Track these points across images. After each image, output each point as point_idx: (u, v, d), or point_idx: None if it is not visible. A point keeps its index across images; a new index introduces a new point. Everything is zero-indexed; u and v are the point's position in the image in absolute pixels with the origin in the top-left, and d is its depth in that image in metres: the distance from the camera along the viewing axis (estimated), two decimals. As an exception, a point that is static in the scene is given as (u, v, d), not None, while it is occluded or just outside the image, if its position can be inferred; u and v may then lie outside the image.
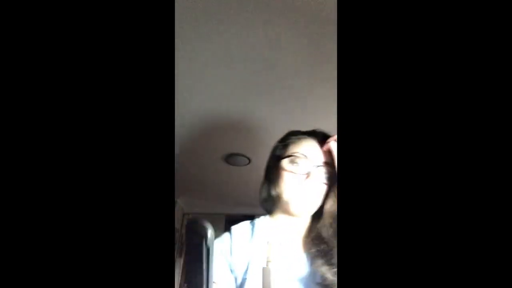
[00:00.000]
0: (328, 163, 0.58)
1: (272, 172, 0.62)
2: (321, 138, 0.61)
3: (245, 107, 1.20)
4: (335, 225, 0.54)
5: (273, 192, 0.60)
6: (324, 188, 0.57)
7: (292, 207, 0.56)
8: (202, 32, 0.85)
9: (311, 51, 0.90)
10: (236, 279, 0.52)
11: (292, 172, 0.57)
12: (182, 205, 2.38)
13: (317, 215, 0.58)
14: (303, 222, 0.60)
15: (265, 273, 0.37)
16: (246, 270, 0.52)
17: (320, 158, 0.58)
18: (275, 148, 0.65)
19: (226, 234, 0.59)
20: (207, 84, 1.08)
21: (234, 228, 0.60)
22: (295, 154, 0.58)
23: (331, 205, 0.56)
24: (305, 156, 0.58)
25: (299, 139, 0.62)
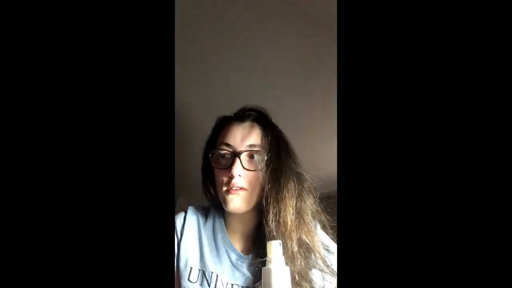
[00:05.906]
0: (256, 145, 0.49)
1: (206, 169, 0.55)
2: (250, 118, 0.53)
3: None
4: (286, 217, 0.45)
5: (211, 191, 0.54)
6: (257, 176, 0.47)
7: (226, 207, 0.49)
8: (202, 32, 0.85)
9: (311, 52, 0.90)
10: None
11: (219, 168, 0.49)
12: (182, 205, 2.38)
13: (262, 208, 0.48)
14: (251, 216, 0.51)
15: (266, 273, 0.37)
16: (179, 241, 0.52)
17: (246, 142, 0.48)
18: (207, 142, 0.57)
19: (183, 213, 0.56)
20: (207, 85, 1.08)
21: (190, 207, 0.57)
22: (218, 148, 0.49)
23: (276, 193, 0.46)
24: (227, 145, 0.49)
25: (225, 126, 0.53)
